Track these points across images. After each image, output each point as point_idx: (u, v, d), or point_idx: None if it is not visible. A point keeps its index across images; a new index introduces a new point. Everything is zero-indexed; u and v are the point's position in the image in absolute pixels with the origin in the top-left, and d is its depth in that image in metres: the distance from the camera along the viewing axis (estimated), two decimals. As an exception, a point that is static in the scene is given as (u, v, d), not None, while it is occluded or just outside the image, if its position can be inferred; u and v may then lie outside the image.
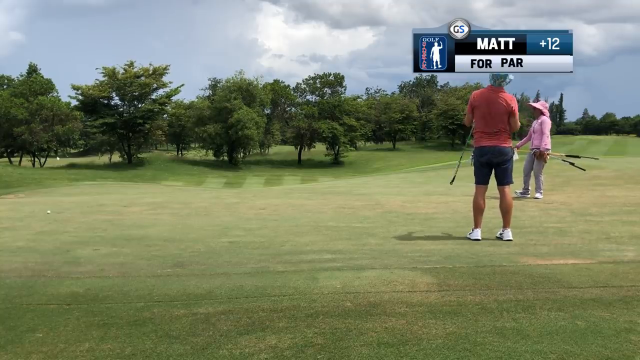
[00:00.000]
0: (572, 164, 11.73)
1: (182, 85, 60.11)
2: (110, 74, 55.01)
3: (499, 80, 6.22)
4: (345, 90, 76.38)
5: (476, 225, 6.27)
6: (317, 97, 75.50)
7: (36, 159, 56.18)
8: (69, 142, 59.24)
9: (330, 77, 75.75)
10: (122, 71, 55.51)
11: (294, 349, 2.83)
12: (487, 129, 6.16)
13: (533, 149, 10.10)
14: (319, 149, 76.94)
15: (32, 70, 69.02)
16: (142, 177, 46.89)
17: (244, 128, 59.54)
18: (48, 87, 60.33)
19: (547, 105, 10.45)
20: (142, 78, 55.72)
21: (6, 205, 11.81)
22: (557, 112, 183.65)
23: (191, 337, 3.05)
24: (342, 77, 76.12)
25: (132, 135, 57.86)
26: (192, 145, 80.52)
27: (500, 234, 6.19)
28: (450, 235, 6.43)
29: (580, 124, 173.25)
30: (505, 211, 6.24)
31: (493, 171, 6.34)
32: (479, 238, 6.09)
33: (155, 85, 56.74)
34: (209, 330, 3.13)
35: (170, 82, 58.05)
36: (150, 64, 56.64)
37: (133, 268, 4.87)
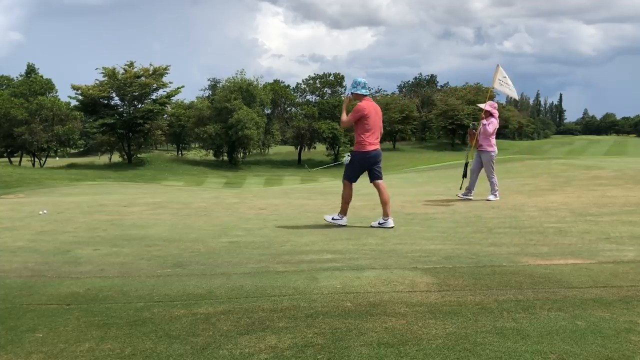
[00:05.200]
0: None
1: (182, 86, 60.23)
2: (110, 74, 55.03)
3: (360, 86, 7.23)
4: (345, 90, 76.38)
5: (345, 213, 7.37)
6: (317, 97, 75.54)
7: (36, 159, 56.19)
8: (69, 142, 59.24)
9: (330, 77, 75.82)
10: (122, 71, 55.54)
11: (294, 349, 2.83)
12: (375, 136, 7.18)
13: (479, 150, 10.10)
14: (319, 149, 76.89)
15: (31, 70, 69.04)
16: (142, 177, 46.88)
17: (244, 128, 59.54)
18: (48, 87, 60.37)
19: (496, 105, 10.29)
20: (142, 78, 55.75)
21: (6, 205, 11.81)
22: (556, 112, 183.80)
23: (191, 337, 3.05)
24: (342, 77, 76.24)
25: (132, 135, 57.88)
26: (192, 145, 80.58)
27: (381, 223, 7.14)
28: (450, 235, 6.42)
29: (580, 124, 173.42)
30: (385, 202, 7.21)
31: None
32: (346, 224, 7.28)
33: (155, 85, 56.76)
34: (209, 330, 3.13)
35: (171, 83, 58.16)
36: (151, 64, 56.76)
37: (133, 268, 4.87)
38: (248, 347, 2.88)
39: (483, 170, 10.18)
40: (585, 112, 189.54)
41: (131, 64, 56.26)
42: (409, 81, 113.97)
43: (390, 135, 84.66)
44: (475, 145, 10.18)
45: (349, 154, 7.36)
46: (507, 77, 10.52)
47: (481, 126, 10.09)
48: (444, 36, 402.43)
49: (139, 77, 55.62)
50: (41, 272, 4.79)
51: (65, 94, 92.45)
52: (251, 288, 3.96)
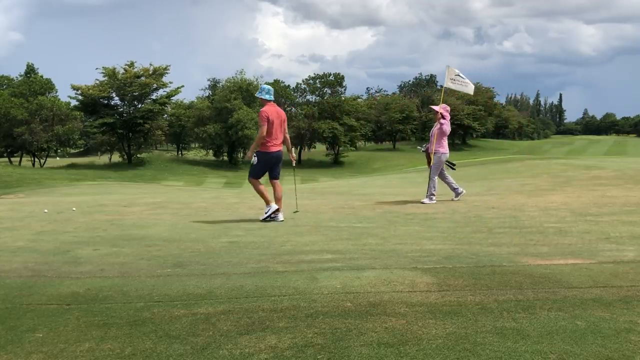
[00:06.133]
0: (447, 164, 11.63)
1: (182, 86, 60.15)
2: (110, 74, 55.01)
3: (265, 92, 8.01)
4: (345, 90, 76.34)
5: (269, 202, 7.95)
6: (317, 97, 75.42)
7: (36, 159, 56.19)
8: (69, 142, 59.21)
9: (330, 77, 75.66)
10: (122, 71, 55.52)
11: (294, 349, 2.83)
12: (277, 138, 7.92)
13: (432, 151, 10.07)
14: (319, 149, 76.80)
15: (30, 70, 68.99)
16: (142, 177, 46.88)
17: (244, 128, 59.54)
18: (48, 87, 60.32)
19: (449, 109, 10.21)
20: (142, 78, 55.72)
21: (6, 205, 11.81)
22: (556, 112, 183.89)
23: (191, 337, 3.05)
24: (342, 77, 76.01)
25: (132, 135, 57.86)
26: (192, 145, 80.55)
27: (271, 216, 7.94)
28: (450, 235, 6.42)
29: (581, 124, 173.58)
30: (279, 198, 8.03)
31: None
32: (277, 207, 7.91)
33: (155, 85, 56.73)
34: (209, 330, 3.13)
35: (171, 82, 58.13)
36: (151, 64, 56.74)
37: (133, 268, 4.87)
38: (248, 347, 2.88)
39: (450, 172, 10.16)
40: (585, 112, 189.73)
41: (131, 64, 56.25)
42: (409, 81, 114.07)
43: (390, 135, 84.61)
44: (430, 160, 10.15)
45: (255, 155, 8.01)
46: (460, 74, 10.69)
47: (436, 127, 10.02)
48: (443, 36, 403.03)
49: (139, 77, 55.59)
50: (41, 272, 4.79)
51: (65, 94, 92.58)
52: (251, 288, 3.96)
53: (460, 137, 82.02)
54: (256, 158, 7.96)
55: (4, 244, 6.38)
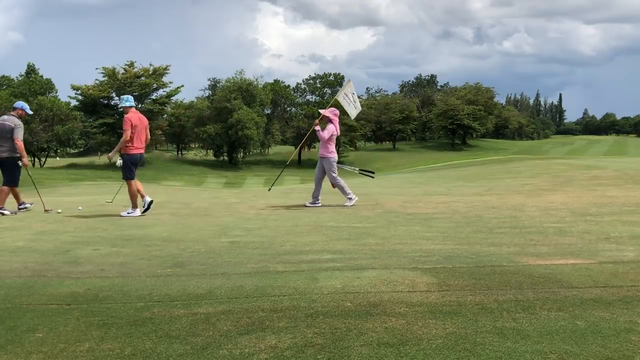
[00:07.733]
0: (364, 172, 11.82)
1: (182, 86, 60.18)
2: (110, 74, 55.03)
3: (125, 100, 9.05)
4: (345, 90, 76.25)
5: (136, 206, 8.85)
6: (317, 97, 75.44)
7: (36, 159, 56.19)
8: (69, 142, 59.21)
9: (330, 77, 75.74)
10: (122, 71, 55.54)
11: (294, 349, 2.83)
12: (139, 141, 8.91)
13: (320, 157, 9.97)
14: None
15: (31, 70, 68.99)
16: (142, 177, 46.65)
17: (244, 128, 59.54)
18: (48, 87, 60.33)
19: (337, 113, 10.07)
20: (142, 78, 55.74)
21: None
22: (556, 112, 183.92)
23: (191, 337, 3.05)
24: (342, 77, 76.12)
25: (132, 135, 57.79)
26: (192, 145, 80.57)
27: (129, 212, 8.76)
28: (450, 235, 6.42)
29: (580, 124, 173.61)
30: (133, 195, 8.87)
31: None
32: (140, 214, 8.77)
33: (155, 85, 56.75)
34: (209, 330, 3.13)
35: (171, 82, 58.16)
36: (151, 64, 56.76)
37: (133, 268, 4.88)
38: (248, 347, 2.88)
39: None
40: (585, 112, 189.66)
41: (131, 64, 56.27)
42: (409, 81, 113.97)
43: (390, 135, 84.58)
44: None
45: (120, 158, 8.93)
46: (355, 94, 11.12)
47: (317, 132, 9.89)
48: (443, 36, 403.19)
49: (139, 77, 55.61)
50: (41, 272, 4.79)
51: (65, 94, 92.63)
52: (251, 288, 3.97)
53: (460, 137, 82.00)
54: (121, 160, 8.92)
55: (4, 244, 6.38)
